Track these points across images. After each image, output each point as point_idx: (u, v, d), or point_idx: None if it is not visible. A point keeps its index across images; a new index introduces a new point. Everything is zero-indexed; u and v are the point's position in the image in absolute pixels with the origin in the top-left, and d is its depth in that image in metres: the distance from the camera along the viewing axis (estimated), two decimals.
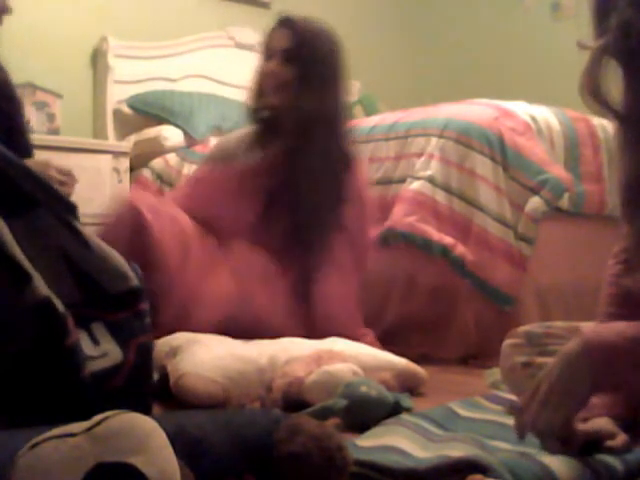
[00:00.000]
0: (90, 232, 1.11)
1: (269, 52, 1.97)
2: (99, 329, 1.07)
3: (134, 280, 1.11)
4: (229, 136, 2.19)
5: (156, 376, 1.57)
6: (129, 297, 1.10)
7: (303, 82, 1.92)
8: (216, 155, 2.09)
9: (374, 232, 2.14)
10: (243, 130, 2.10)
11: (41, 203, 1.06)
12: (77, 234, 1.08)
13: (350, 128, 2.06)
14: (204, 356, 1.52)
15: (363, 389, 1.33)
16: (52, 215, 1.07)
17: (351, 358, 1.56)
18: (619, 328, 1.02)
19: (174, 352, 1.56)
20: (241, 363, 1.54)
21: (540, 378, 1.04)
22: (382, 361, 1.62)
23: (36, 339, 0.98)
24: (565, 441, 1.01)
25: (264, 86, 1.96)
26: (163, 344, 1.61)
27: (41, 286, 0.99)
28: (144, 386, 1.10)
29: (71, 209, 1.10)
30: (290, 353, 1.61)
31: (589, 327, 1.04)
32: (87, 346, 1.03)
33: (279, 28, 1.99)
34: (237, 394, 1.47)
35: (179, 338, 1.62)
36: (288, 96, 1.93)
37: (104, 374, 1.03)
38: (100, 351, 1.04)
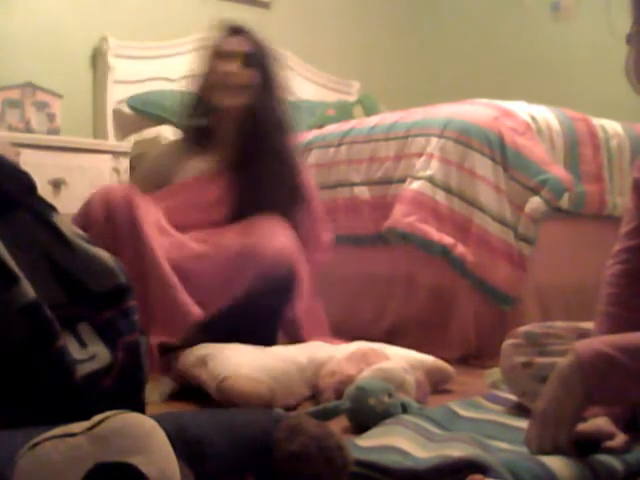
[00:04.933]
0: (72, 231, 1.10)
1: (224, 55, 2.02)
2: (85, 330, 1.05)
3: (120, 277, 1.09)
4: (156, 153, 2.23)
5: (171, 385, 1.57)
6: (115, 295, 1.08)
7: (263, 86, 2.01)
8: (151, 171, 2.12)
9: (327, 235, 2.14)
10: (166, 145, 2.18)
11: (22, 203, 1.05)
12: (58, 234, 1.07)
13: (296, 134, 2.15)
14: (242, 358, 1.51)
15: (371, 401, 1.29)
16: (32, 215, 1.06)
17: (393, 357, 1.57)
18: (610, 340, 1.02)
19: (203, 361, 1.54)
20: (283, 362, 1.54)
21: (540, 398, 1.04)
22: (413, 360, 1.63)
23: (25, 342, 0.97)
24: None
25: (224, 85, 2.00)
26: (187, 355, 1.60)
27: (28, 288, 0.98)
28: (135, 385, 1.10)
29: (51, 209, 1.09)
30: (329, 352, 1.63)
31: (582, 343, 1.04)
32: (74, 349, 1.02)
33: (233, 35, 2.08)
34: (282, 393, 1.46)
35: (203, 348, 1.61)
36: (248, 98, 2.00)
37: (94, 376, 1.02)
38: (88, 353, 1.03)
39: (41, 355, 0.98)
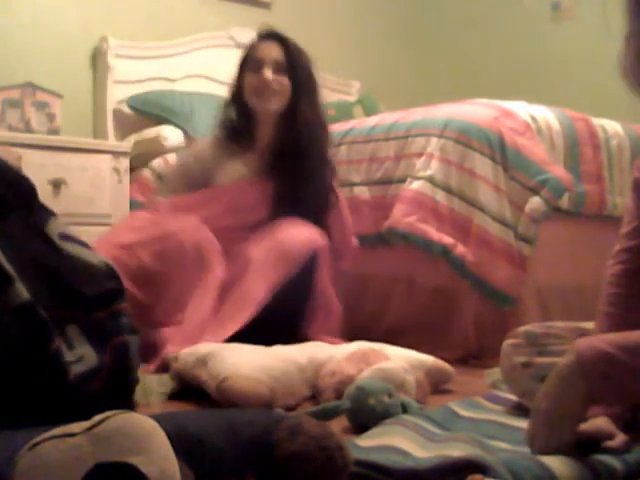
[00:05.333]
0: (68, 235, 1.10)
1: (260, 62, 2.11)
2: (73, 332, 1.05)
3: (112, 281, 1.10)
4: (196, 150, 2.31)
5: (171, 385, 1.57)
6: (105, 298, 1.09)
7: (298, 91, 2.11)
8: (193, 170, 2.20)
9: (355, 241, 2.25)
10: (205, 141, 2.28)
11: (16, 209, 1.06)
12: (48, 241, 1.07)
13: (331, 137, 2.23)
14: (242, 358, 1.51)
15: (371, 401, 1.29)
16: (25, 221, 1.06)
17: (393, 357, 1.57)
18: (610, 338, 1.02)
19: (203, 361, 1.54)
20: (282, 362, 1.53)
21: (539, 397, 1.04)
22: (413, 360, 1.63)
23: (21, 343, 0.97)
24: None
25: (262, 92, 2.09)
26: (187, 355, 1.60)
27: (23, 289, 0.98)
28: (124, 386, 1.10)
29: (50, 214, 1.10)
30: (329, 352, 1.63)
31: (582, 341, 1.04)
32: (63, 350, 1.02)
33: (268, 41, 2.15)
34: (282, 393, 1.46)
35: (203, 348, 1.61)
36: (283, 103, 2.11)
37: (81, 379, 1.02)
38: (75, 355, 1.03)
39: (37, 355, 0.98)
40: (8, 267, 0.98)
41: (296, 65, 2.12)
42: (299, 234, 1.95)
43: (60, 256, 1.07)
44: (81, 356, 1.04)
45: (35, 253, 1.05)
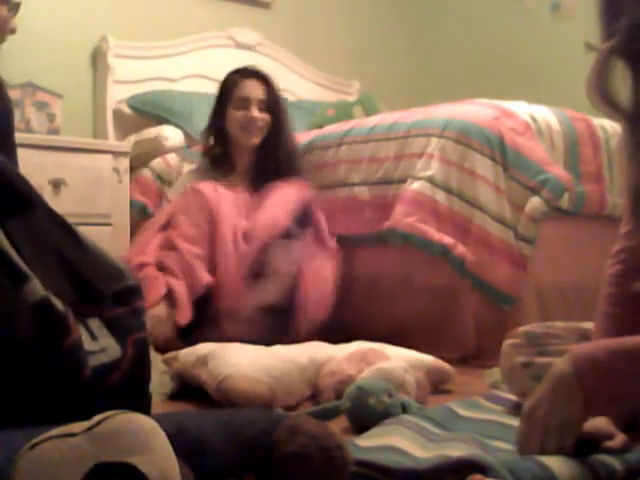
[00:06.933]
0: (84, 232, 1.11)
1: (246, 101, 2.40)
2: (95, 324, 1.07)
3: (129, 279, 1.11)
4: (183, 180, 2.58)
5: (171, 385, 1.58)
6: (124, 295, 1.10)
7: (277, 125, 2.42)
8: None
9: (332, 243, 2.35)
10: (191, 172, 2.57)
11: (38, 203, 1.07)
12: (72, 234, 1.08)
13: (301, 155, 2.55)
14: (242, 358, 1.51)
15: (371, 401, 1.29)
16: (47, 215, 1.07)
17: (393, 357, 1.57)
18: (607, 346, 1.02)
19: (203, 361, 1.54)
20: (283, 362, 1.54)
21: (532, 403, 1.03)
22: (413, 360, 1.63)
23: (37, 340, 0.98)
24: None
25: (249, 128, 2.39)
26: (187, 355, 1.60)
27: (38, 286, 0.99)
28: (143, 382, 1.11)
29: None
30: (329, 352, 1.63)
31: (577, 348, 1.03)
32: (86, 340, 1.03)
33: (252, 80, 2.43)
34: (282, 393, 1.46)
35: (203, 347, 1.61)
36: (263, 135, 2.42)
37: (104, 369, 1.03)
38: (99, 346, 1.04)
39: (51, 353, 0.98)
40: (22, 265, 0.99)
41: (276, 103, 2.42)
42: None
43: (84, 251, 1.08)
44: (104, 347, 1.05)
45: (60, 248, 1.07)
